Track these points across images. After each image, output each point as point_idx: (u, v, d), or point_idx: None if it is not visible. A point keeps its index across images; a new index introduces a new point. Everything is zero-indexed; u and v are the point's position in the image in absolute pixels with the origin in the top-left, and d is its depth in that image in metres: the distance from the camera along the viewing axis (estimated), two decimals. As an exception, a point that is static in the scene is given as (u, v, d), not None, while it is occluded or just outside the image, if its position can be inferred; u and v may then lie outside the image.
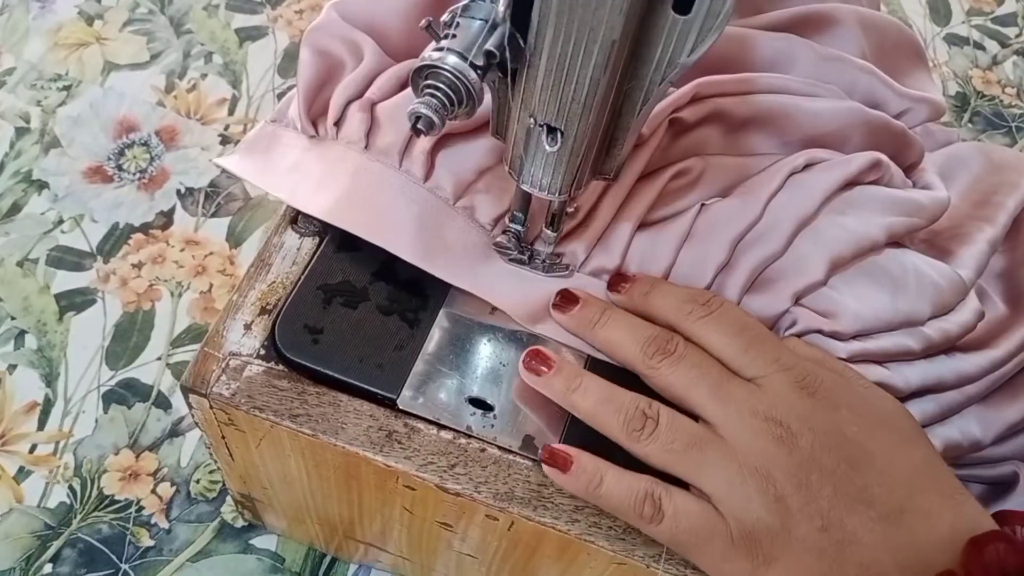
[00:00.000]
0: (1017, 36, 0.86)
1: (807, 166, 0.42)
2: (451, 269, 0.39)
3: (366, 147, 0.41)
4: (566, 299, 0.39)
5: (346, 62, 0.43)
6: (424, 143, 0.40)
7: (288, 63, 0.75)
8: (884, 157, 0.43)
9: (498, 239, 0.41)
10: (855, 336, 0.39)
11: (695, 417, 0.35)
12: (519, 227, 0.40)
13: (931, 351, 0.40)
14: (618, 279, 0.40)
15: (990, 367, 0.41)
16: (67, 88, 0.71)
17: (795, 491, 0.32)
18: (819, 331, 0.39)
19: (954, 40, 0.85)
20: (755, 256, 0.39)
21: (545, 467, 0.35)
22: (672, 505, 0.33)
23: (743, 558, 0.33)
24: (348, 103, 0.42)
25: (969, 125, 0.78)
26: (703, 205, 0.41)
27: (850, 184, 0.42)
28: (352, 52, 0.43)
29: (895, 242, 0.43)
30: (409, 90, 0.39)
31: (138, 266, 0.62)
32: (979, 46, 0.85)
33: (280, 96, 0.72)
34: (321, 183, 0.40)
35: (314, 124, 0.42)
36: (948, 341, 0.40)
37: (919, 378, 0.39)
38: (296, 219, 0.42)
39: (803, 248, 0.40)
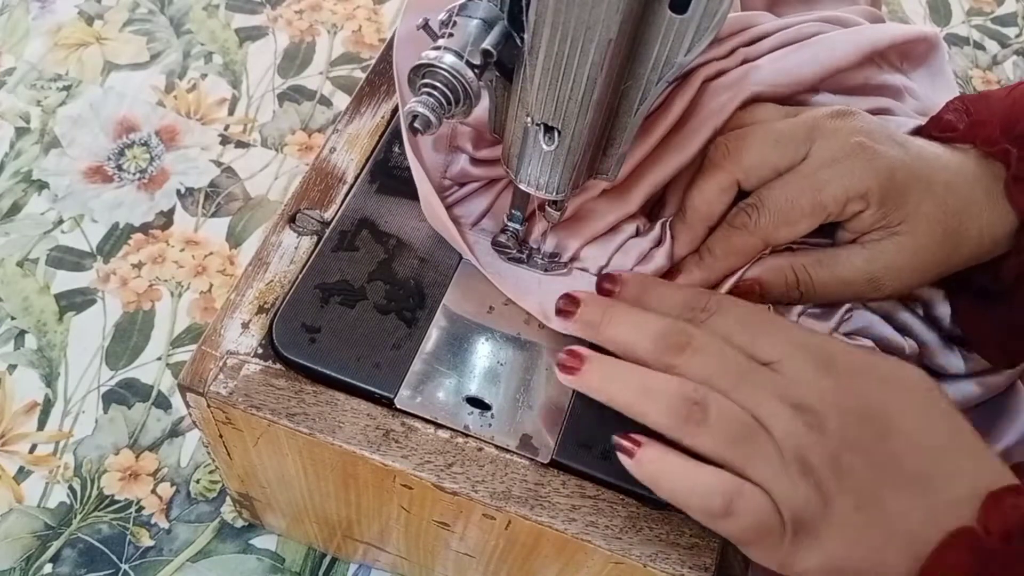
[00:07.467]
0: (1017, 36, 0.86)
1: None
2: None
3: None
4: (568, 302, 0.38)
5: None
6: None
7: (288, 63, 0.75)
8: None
9: (497, 238, 0.41)
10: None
11: None
12: (517, 226, 0.40)
13: None
14: (605, 280, 0.40)
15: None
16: (67, 88, 0.71)
17: (831, 474, 0.33)
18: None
19: (954, 40, 0.85)
20: None
21: (620, 456, 0.34)
22: (745, 504, 0.33)
23: (791, 541, 0.33)
24: None
25: (969, 125, 0.78)
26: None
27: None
28: None
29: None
30: None
31: (138, 266, 0.62)
32: (979, 46, 0.85)
33: (280, 96, 0.72)
34: None
35: None
36: None
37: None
38: (294, 217, 0.42)
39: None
